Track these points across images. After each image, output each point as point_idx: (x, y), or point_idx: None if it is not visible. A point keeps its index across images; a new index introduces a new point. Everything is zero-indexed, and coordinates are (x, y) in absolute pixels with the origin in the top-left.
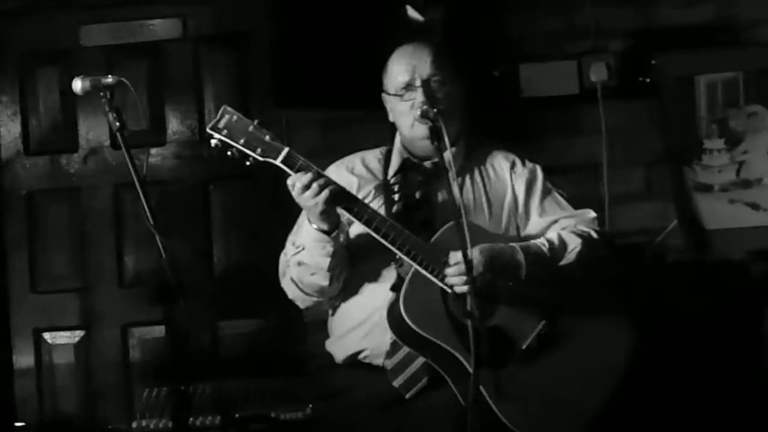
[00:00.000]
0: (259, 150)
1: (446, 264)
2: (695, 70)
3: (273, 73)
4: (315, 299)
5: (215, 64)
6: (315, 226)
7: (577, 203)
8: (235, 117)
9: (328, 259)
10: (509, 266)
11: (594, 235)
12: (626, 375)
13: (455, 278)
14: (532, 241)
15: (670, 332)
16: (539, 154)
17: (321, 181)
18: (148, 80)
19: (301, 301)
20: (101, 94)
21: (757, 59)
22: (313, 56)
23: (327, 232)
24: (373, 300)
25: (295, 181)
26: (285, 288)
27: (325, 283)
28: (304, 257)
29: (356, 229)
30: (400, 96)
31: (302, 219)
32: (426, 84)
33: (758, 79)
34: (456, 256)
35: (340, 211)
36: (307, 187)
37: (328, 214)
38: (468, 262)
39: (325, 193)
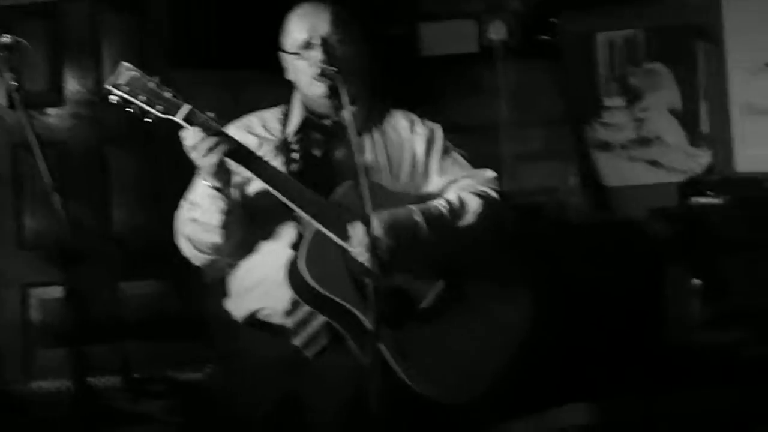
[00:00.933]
0: (159, 107)
1: (346, 222)
2: (595, 28)
3: (170, 33)
4: (210, 257)
5: (113, 25)
6: (207, 182)
7: (477, 163)
8: (136, 73)
9: (221, 216)
10: (409, 230)
11: (493, 194)
12: (526, 337)
13: (358, 248)
14: (432, 202)
15: (570, 292)
16: (439, 114)
17: (215, 137)
18: (46, 40)
19: (196, 258)
20: None
21: (657, 16)
22: (210, 16)
23: (219, 189)
24: (272, 259)
25: (190, 137)
26: (180, 246)
27: (219, 240)
28: (197, 214)
29: (254, 187)
30: (299, 54)
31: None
32: (325, 42)
33: (658, 37)
34: (356, 225)
35: (238, 168)
36: (201, 142)
37: (220, 171)
38: (368, 222)
39: (220, 149)
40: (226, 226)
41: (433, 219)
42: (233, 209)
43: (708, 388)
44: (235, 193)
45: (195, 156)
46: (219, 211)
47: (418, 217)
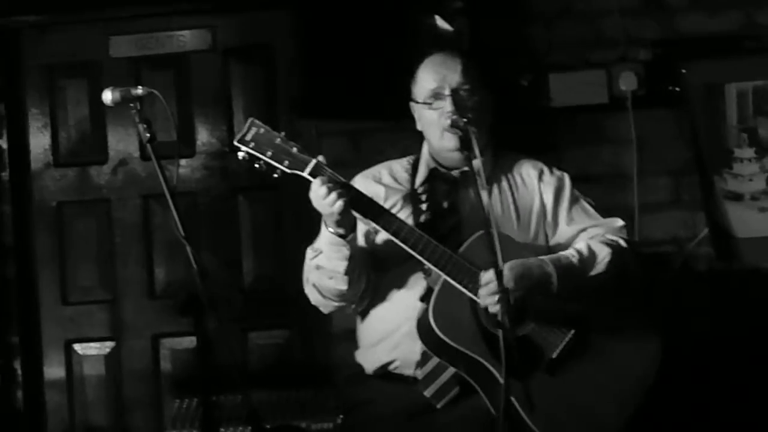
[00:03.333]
0: (286, 162)
1: (476, 275)
2: (724, 79)
3: (300, 84)
4: (336, 303)
5: (243, 76)
6: (331, 230)
7: (605, 213)
8: (262, 129)
9: (345, 263)
10: (540, 281)
11: (623, 244)
12: (654, 387)
13: (488, 298)
14: (562, 253)
15: (699, 343)
16: (568, 163)
17: (340, 188)
18: (177, 91)
19: (323, 306)
20: (131, 105)
21: None
22: (340, 67)
23: (342, 236)
24: (402, 310)
25: (315, 187)
26: (308, 294)
27: (344, 286)
28: (322, 261)
29: (383, 235)
30: (429, 104)
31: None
32: (455, 93)
33: None
34: (487, 275)
35: (366, 221)
36: (326, 192)
37: (343, 219)
38: (499, 274)
39: (343, 198)
40: (350, 273)
41: (564, 269)
42: (357, 256)
43: None
44: (360, 240)
45: (319, 204)
46: (343, 258)
47: (549, 268)
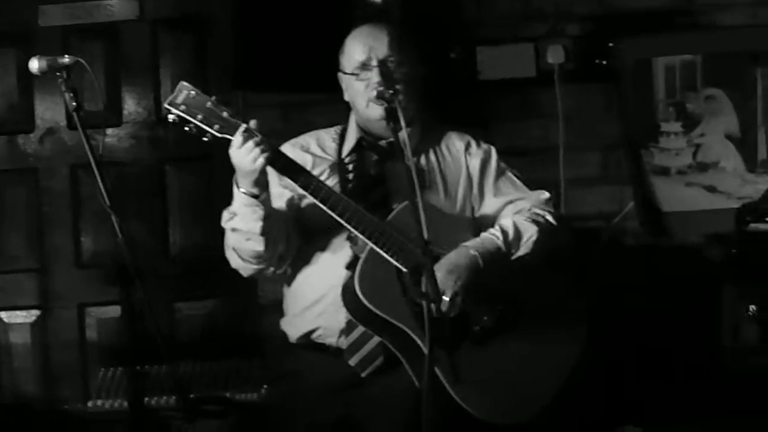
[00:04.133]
0: (216, 126)
1: (403, 245)
2: (653, 53)
3: (232, 55)
4: (254, 266)
5: (172, 46)
6: (243, 189)
7: (533, 186)
8: (193, 92)
9: (260, 223)
10: (469, 269)
11: (550, 218)
12: (581, 361)
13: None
14: (486, 234)
15: (625, 317)
16: (496, 136)
17: (263, 144)
18: (105, 61)
19: (243, 269)
20: (58, 74)
21: (715, 43)
22: (271, 39)
23: (256, 196)
24: (327, 277)
25: (239, 142)
26: (228, 258)
27: (261, 247)
28: (238, 223)
29: (309, 201)
30: (356, 75)
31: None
32: (382, 64)
33: (716, 63)
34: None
35: (294, 186)
36: (251, 147)
37: (261, 178)
38: (424, 239)
39: (265, 155)
40: (265, 233)
41: (489, 253)
42: (273, 217)
43: (761, 415)
44: (281, 205)
45: (241, 160)
46: (258, 219)
47: (474, 254)
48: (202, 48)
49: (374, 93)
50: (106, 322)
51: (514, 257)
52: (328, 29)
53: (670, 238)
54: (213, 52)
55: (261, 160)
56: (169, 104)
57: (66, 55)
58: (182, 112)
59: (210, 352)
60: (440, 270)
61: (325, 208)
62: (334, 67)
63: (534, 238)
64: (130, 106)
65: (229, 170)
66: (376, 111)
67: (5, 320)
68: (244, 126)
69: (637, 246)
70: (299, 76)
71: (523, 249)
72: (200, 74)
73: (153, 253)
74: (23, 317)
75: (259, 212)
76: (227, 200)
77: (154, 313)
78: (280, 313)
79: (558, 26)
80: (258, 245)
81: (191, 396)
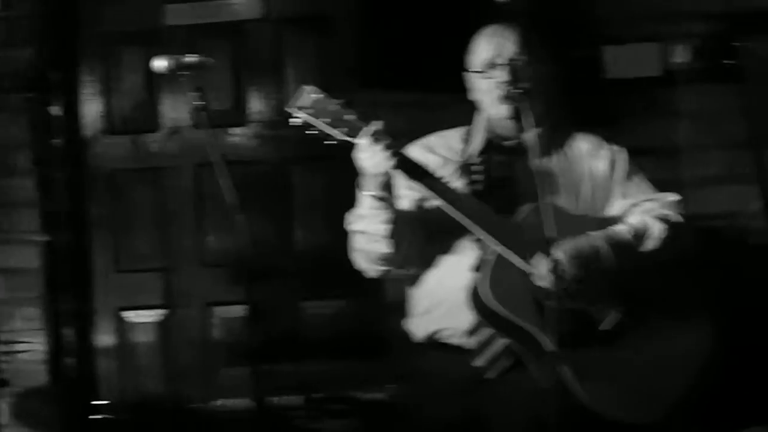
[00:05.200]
0: (342, 129)
1: (528, 244)
2: None
3: (358, 54)
4: (381, 267)
5: (297, 46)
6: (369, 192)
7: (658, 186)
8: (318, 95)
9: (386, 226)
10: (593, 257)
11: (677, 219)
12: (707, 362)
13: (542, 280)
14: (615, 227)
15: (751, 318)
16: (622, 136)
17: (389, 147)
18: (231, 60)
19: (369, 270)
20: (183, 73)
21: None
22: (398, 38)
23: (381, 199)
24: (453, 278)
25: (367, 145)
26: (355, 259)
27: (386, 250)
28: (363, 226)
29: (436, 203)
30: (484, 73)
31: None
32: (511, 63)
33: None
34: (542, 262)
35: (421, 188)
36: (379, 150)
37: (386, 180)
38: (550, 243)
39: (395, 159)
40: (392, 236)
41: (616, 245)
42: (399, 219)
43: None
44: (408, 206)
45: (368, 163)
46: (384, 221)
47: (601, 243)
48: (326, 47)
49: (502, 92)
50: (231, 321)
51: (641, 252)
52: (455, 28)
53: None
54: (337, 51)
55: (387, 164)
56: (294, 107)
57: (192, 54)
58: (308, 114)
59: (336, 351)
60: (563, 254)
61: (451, 210)
62: (460, 67)
63: (662, 235)
64: (255, 105)
65: (352, 168)
66: (504, 110)
67: (131, 320)
68: (369, 129)
69: (764, 245)
70: (425, 75)
71: (651, 245)
72: (325, 73)
73: (278, 253)
74: (148, 316)
75: (385, 215)
76: (352, 199)
77: (279, 313)
78: (405, 313)
79: (685, 26)
80: (384, 247)
81: (316, 395)
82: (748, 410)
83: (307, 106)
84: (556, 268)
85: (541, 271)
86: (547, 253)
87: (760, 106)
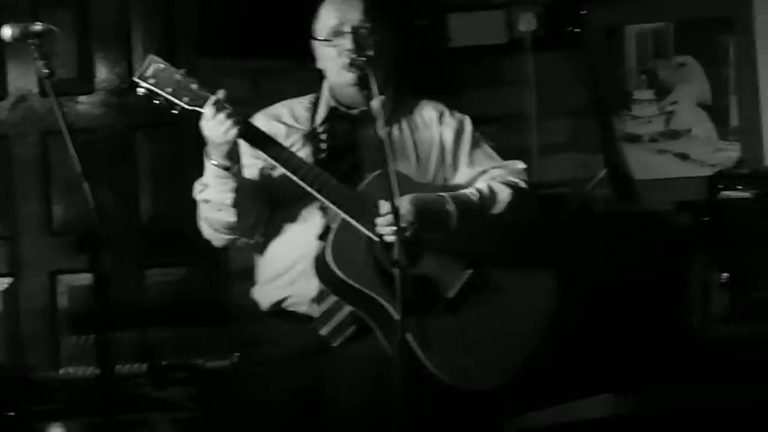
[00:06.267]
0: (186, 99)
1: (374, 212)
2: (625, 21)
3: (200, 21)
4: (226, 236)
5: (141, 11)
6: (214, 161)
7: (504, 154)
8: (162, 66)
9: (232, 195)
10: (439, 216)
11: (523, 185)
12: (550, 327)
13: (385, 228)
14: (462, 191)
15: (595, 284)
16: (467, 104)
17: (234, 116)
18: (76, 28)
19: (215, 239)
20: (29, 41)
21: (687, 9)
22: (241, 3)
23: (227, 168)
24: (299, 246)
25: (210, 114)
26: (201, 228)
27: (232, 219)
28: (209, 195)
29: (281, 171)
30: (329, 41)
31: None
32: (355, 31)
33: (688, 30)
34: (385, 206)
35: (265, 157)
36: (223, 119)
37: (233, 150)
38: (396, 210)
39: (237, 128)
40: (237, 205)
41: (463, 206)
42: (244, 188)
43: (731, 382)
44: (253, 174)
45: (212, 132)
46: (229, 190)
47: (449, 204)
48: (171, 13)
49: (347, 59)
50: (77, 290)
51: (487, 217)
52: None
53: (641, 205)
54: (183, 17)
55: (232, 132)
56: (138, 77)
57: (38, 22)
58: (151, 85)
59: (180, 319)
60: (407, 202)
61: (296, 178)
62: (304, 34)
63: (508, 199)
64: (102, 73)
65: (196, 136)
66: (348, 77)
67: None
68: (213, 98)
69: (607, 213)
70: (268, 42)
71: (497, 210)
72: (169, 41)
73: (123, 221)
74: None
75: (231, 184)
76: (197, 166)
77: (124, 281)
78: (250, 280)
79: None
80: (229, 216)
81: (162, 363)
82: (588, 378)
83: (150, 76)
84: (397, 214)
85: (383, 219)
86: (393, 206)
87: (604, 73)
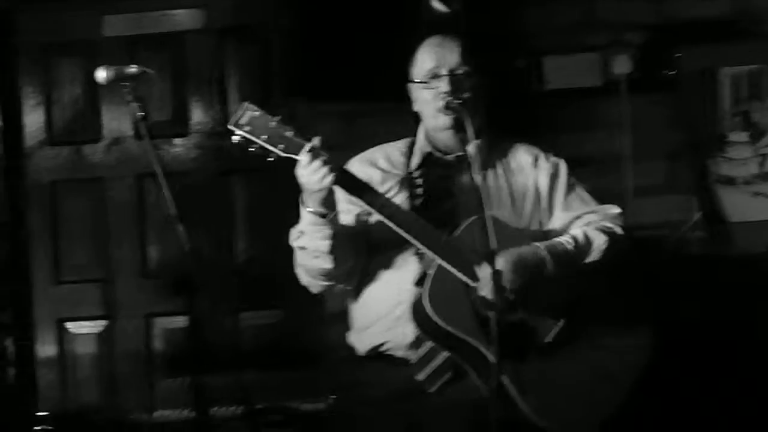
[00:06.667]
0: (281, 146)
1: (471, 258)
2: (719, 63)
3: (295, 64)
4: (323, 283)
5: (237, 55)
6: (311, 209)
7: (598, 197)
8: (257, 113)
9: (327, 242)
10: (535, 267)
11: (619, 231)
12: (647, 371)
13: (485, 290)
14: (557, 239)
15: (691, 328)
16: (561, 147)
17: (330, 163)
18: (171, 71)
19: (312, 285)
20: (124, 83)
21: None
22: (337, 47)
23: (323, 215)
24: (395, 292)
25: (306, 162)
26: (297, 275)
27: (328, 265)
28: (305, 242)
29: (377, 218)
30: (426, 84)
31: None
32: (452, 74)
33: None
34: (484, 270)
35: (361, 203)
36: (318, 167)
37: (329, 198)
38: (491, 254)
39: (333, 174)
40: (333, 252)
41: (559, 256)
42: (340, 235)
43: None
44: (349, 221)
45: (308, 180)
46: (325, 237)
47: (544, 254)
48: (267, 56)
49: (443, 102)
50: (172, 333)
51: (583, 264)
52: (393, 37)
53: (736, 248)
54: (278, 61)
55: (328, 180)
56: (233, 125)
57: (132, 65)
58: (246, 132)
59: (274, 363)
60: (505, 263)
61: (392, 224)
62: (400, 76)
63: (603, 246)
64: (197, 115)
65: (292, 180)
66: (445, 121)
67: (71, 331)
68: (309, 145)
69: (703, 256)
70: (364, 85)
71: (593, 257)
72: (265, 83)
73: (218, 264)
74: (89, 327)
75: (326, 231)
76: (292, 210)
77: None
78: (345, 323)
79: (623, 36)
80: (326, 263)
81: (257, 407)
82: (684, 423)
83: (245, 124)
84: (497, 277)
85: (483, 279)
86: (490, 264)
87: (698, 115)
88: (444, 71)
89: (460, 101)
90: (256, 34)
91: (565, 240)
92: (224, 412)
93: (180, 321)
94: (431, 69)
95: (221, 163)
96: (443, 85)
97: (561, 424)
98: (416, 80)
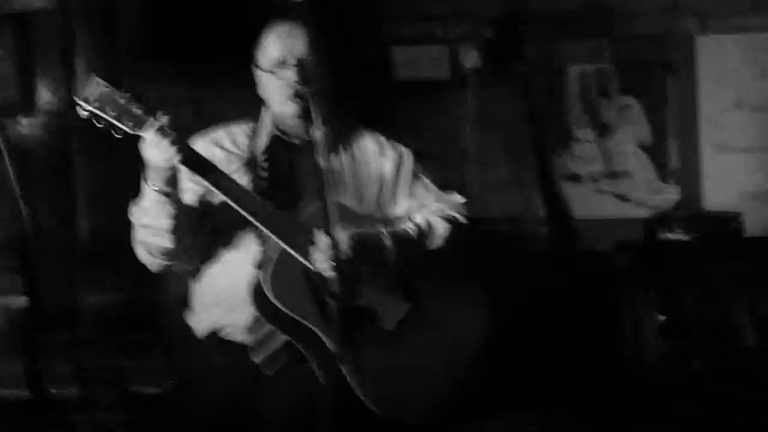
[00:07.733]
0: (130, 123)
1: (312, 243)
2: (568, 60)
3: (140, 26)
4: (162, 261)
5: (84, 33)
6: (154, 186)
7: (444, 188)
8: (106, 88)
9: (169, 220)
10: (376, 250)
11: (462, 220)
12: (482, 354)
13: (323, 263)
14: (400, 225)
15: (530, 323)
16: (408, 137)
17: (176, 142)
18: (18, 50)
19: (151, 264)
20: None
21: (630, 51)
22: (183, 19)
23: (166, 193)
24: (236, 274)
25: (154, 140)
26: (137, 252)
27: (169, 244)
28: (147, 219)
29: (220, 198)
30: (273, 72)
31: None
32: (300, 63)
33: (630, 71)
34: (323, 238)
35: (205, 184)
36: (167, 145)
37: (173, 176)
38: (334, 242)
39: (181, 154)
40: (175, 231)
41: (401, 242)
42: (182, 214)
43: (666, 421)
44: (191, 200)
45: (154, 158)
46: (167, 216)
47: (387, 241)
48: (113, 24)
49: (291, 91)
50: (10, 312)
51: (425, 251)
52: (241, 16)
53: (579, 244)
54: (124, 41)
55: (175, 159)
56: (81, 99)
57: None
58: (95, 108)
59: (114, 344)
60: (345, 238)
61: (236, 206)
62: (246, 56)
63: (445, 234)
64: (42, 95)
65: (136, 158)
66: (292, 108)
67: None
68: (156, 123)
69: (545, 251)
70: (208, 49)
71: (434, 244)
72: (111, 49)
73: (60, 242)
74: None
75: (169, 209)
76: (136, 190)
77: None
78: (186, 305)
79: (474, 29)
80: (166, 242)
81: (93, 388)
82: (515, 403)
83: (94, 99)
84: (334, 248)
85: (321, 253)
86: (330, 239)
87: (546, 112)
88: (292, 60)
89: (309, 90)
90: (103, 14)
91: (407, 226)
92: (61, 393)
93: (19, 300)
94: (279, 57)
95: (67, 142)
96: (291, 75)
97: (400, 410)
98: (263, 68)
